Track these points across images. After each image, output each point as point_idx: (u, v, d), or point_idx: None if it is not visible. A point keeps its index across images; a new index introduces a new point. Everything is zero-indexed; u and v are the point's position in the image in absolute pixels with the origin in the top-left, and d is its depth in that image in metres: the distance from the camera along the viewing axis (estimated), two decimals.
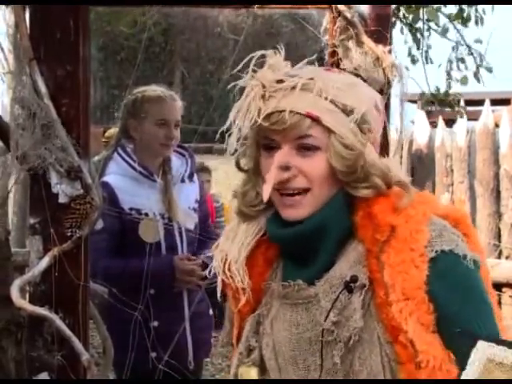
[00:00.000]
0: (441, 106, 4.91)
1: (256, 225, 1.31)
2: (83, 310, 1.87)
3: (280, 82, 1.21)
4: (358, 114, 1.20)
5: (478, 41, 4.87)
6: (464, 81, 4.93)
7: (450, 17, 4.69)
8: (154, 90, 2.69)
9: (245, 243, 1.30)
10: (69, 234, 1.85)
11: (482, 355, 0.99)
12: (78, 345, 1.78)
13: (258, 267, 1.31)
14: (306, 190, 1.21)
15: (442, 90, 5.05)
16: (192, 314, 2.63)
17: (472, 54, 4.85)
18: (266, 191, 1.21)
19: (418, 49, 4.99)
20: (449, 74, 5.01)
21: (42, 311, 1.78)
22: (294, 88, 1.19)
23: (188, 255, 2.63)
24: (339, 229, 1.23)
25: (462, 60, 4.90)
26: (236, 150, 1.26)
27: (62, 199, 1.85)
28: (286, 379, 1.26)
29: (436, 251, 1.16)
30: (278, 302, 1.29)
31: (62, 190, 1.85)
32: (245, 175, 1.31)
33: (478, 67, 4.83)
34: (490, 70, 4.90)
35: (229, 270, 1.28)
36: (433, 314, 1.15)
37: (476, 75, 4.83)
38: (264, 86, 1.20)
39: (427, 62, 4.94)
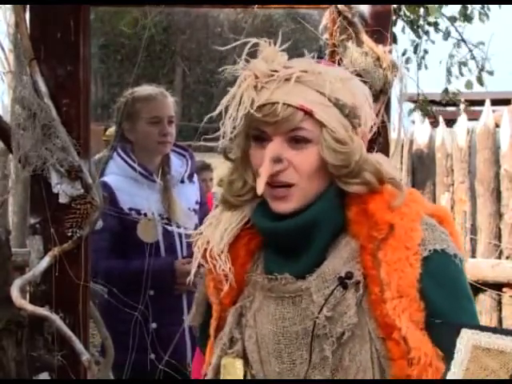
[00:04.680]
0: (438, 106, 4.90)
1: (240, 212, 1.31)
2: (83, 310, 1.87)
3: (274, 72, 1.20)
4: (350, 109, 1.21)
5: (481, 43, 4.85)
6: (468, 86, 4.91)
7: (451, 19, 4.67)
8: (144, 89, 2.69)
9: (228, 229, 1.30)
10: (69, 233, 1.85)
11: (467, 342, 0.99)
12: (78, 345, 1.78)
13: (239, 258, 1.31)
14: (294, 185, 1.22)
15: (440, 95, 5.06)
16: None
17: (474, 58, 4.83)
18: (261, 184, 1.20)
19: (415, 53, 4.98)
20: (448, 79, 4.99)
21: (43, 311, 1.78)
22: (287, 80, 1.19)
23: (189, 259, 2.62)
24: (332, 223, 1.23)
25: (464, 64, 4.88)
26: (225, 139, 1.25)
27: (62, 199, 1.85)
28: (284, 379, 1.26)
29: (429, 250, 1.18)
30: (261, 294, 1.29)
31: (63, 189, 1.85)
32: (232, 164, 1.31)
33: (480, 71, 4.81)
34: (491, 73, 4.88)
35: (210, 255, 1.28)
36: (423, 312, 1.17)
37: (479, 79, 4.81)
38: (257, 77, 1.20)
39: (420, 68, 4.93)
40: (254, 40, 1.24)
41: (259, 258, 1.32)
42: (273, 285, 1.26)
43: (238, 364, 1.30)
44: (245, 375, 1.30)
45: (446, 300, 1.17)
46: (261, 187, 1.21)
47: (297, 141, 1.21)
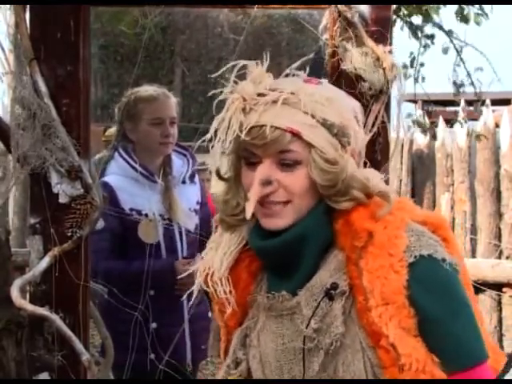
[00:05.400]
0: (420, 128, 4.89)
1: (238, 234, 1.32)
2: (83, 310, 1.87)
3: (261, 95, 1.21)
4: (338, 128, 1.22)
5: (479, 68, 4.84)
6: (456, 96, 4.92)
7: (449, 33, 4.68)
8: (146, 89, 2.68)
9: (227, 253, 1.31)
10: (69, 233, 1.85)
11: None
12: (78, 345, 1.78)
13: (241, 281, 1.32)
14: (286, 202, 1.23)
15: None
16: (191, 316, 2.63)
17: (472, 83, 4.83)
18: (249, 209, 1.22)
19: (412, 67, 4.98)
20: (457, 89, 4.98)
21: (43, 311, 1.78)
22: (274, 102, 1.20)
23: (190, 260, 2.62)
24: (320, 238, 1.24)
25: (461, 86, 4.89)
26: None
27: (62, 199, 1.85)
28: (285, 379, 1.27)
29: (415, 256, 1.17)
30: (263, 314, 1.30)
31: (63, 189, 1.85)
32: (225, 184, 1.32)
33: (477, 99, 4.82)
34: (484, 103, 4.90)
35: (211, 280, 1.29)
36: (414, 318, 1.16)
37: (475, 108, 4.82)
38: (245, 99, 1.21)
39: (417, 81, 4.92)
40: (242, 62, 1.25)
41: (262, 279, 1.33)
42: (271, 303, 1.28)
43: None
44: None
45: (437, 305, 1.16)
46: (249, 212, 1.22)
47: (286, 163, 1.22)
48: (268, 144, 1.20)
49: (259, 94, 1.21)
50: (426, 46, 4.85)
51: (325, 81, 1.33)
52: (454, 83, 4.78)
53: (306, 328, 1.21)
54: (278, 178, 1.22)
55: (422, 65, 4.94)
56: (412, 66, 4.88)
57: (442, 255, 1.19)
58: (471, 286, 1.28)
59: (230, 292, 1.29)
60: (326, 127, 1.22)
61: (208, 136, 1.23)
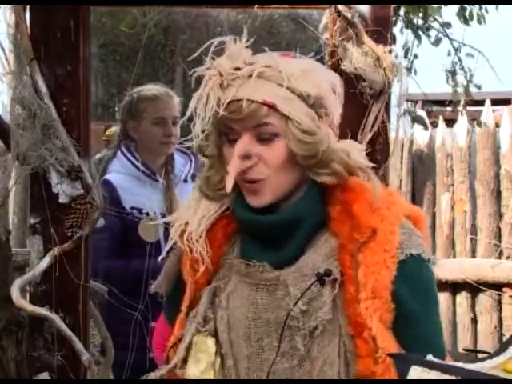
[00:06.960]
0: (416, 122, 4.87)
1: (219, 202, 1.33)
2: (83, 310, 1.88)
3: (237, 69, 1.22)
4: (314, 99, 1.22)
5: (469, 55, 4.83)
6: (455, 96, 4.93)
7: (444, 25, 4.67)
8: (149, 89, 2.69)
9: (206, 216, 1.32)
10: (69, 233, 1.86)
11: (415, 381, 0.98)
12: (78, 345, 1.79)
13: (216, 241, 1.32)
14: (264, 180, 1.24)
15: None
16: None
17: (463, 68, 4.82)
18: (230, 183, 1.22)
19: (406, 57, 4.96)
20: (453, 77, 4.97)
21: (43, 311, 1.78)
22: (250, 76, 1.21)
23: None
24: (313, 220, 1.26)
25: (454, 73, 4.88)
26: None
27: (62, 199, 1.86)
28: (288, 379, 1.27)
29: (406, 254, 1.21)
30: (236, 277, 1.31)
31: (63, 189, 1.85)
32: (208, 160, 1.33)
33: (468, 83, 4.82)
34: (478, 87, 4.90)
35: (187, 239, 1.30)
36: (392, 313, 1.20)
37: (466, 91, 4.82)
38: (221, 75, 1.21)
39: (410, 73, 4.89)
40: (219, 39, 1.25)
41: (235, 241, 1.34)
42: (249, 271, 1.28)
43: (210, 342, 1.31)
44: (215, 354, 1.32)
45: (418, 303, 1.22)
46: (229, 185, 1.23)
47: (265, 136, 1.23)
48: (245, 118, 1.21)
49: (236, 69, 1.22)
50: (419, 37, 4.83)
51: (302, 56, 1.33)
52: (449, 72, 4.77)
53: (294, 307, 1.22)
54: (257, 152, 1.22)
55: (415, 56, 4.93)
56: (406, 56, 4.87)
57: (428, 255, 1.24)
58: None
59: (207, 252, 1.29)
60: (302, 98, 1.23)
61: (187, 114, 1.24)
